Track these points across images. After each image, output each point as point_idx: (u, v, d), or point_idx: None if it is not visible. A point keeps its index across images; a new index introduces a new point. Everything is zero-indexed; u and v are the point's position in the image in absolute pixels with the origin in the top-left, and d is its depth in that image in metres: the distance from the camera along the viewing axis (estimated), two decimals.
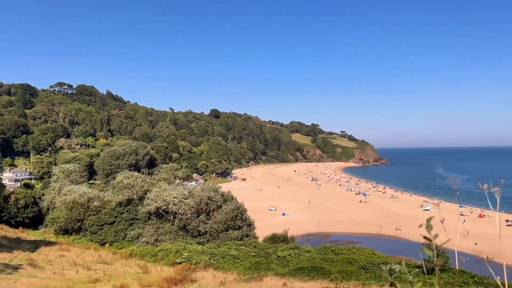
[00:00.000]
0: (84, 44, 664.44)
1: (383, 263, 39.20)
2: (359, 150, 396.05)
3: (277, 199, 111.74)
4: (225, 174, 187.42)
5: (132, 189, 54.62)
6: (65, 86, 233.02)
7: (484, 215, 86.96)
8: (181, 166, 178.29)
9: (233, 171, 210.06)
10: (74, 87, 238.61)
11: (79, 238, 52.40)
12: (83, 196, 53.94)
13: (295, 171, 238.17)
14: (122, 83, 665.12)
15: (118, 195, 54.48)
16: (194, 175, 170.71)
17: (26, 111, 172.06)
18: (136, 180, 55.13)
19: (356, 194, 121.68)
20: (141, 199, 54.09)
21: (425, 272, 39.37)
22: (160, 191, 50.65)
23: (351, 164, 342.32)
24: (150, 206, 50.29)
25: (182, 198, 51.26)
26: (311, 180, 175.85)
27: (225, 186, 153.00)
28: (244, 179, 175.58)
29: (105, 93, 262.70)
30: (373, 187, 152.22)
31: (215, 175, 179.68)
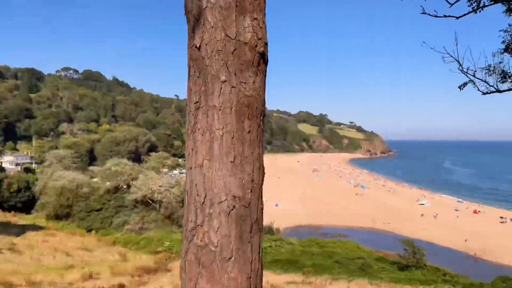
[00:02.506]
0: (94, 30, 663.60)
1: (357, 258, 39.02)
2: (367, 142, 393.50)
3: (274, 189, 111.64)
4: None
5: (120, 177, 54.85)
6: (71, 71, 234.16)
7: (479, 211, 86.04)
8: (183, 154, 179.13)
9: None
10: (80, 72, 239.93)
11: (68, 224, 52.90)
12: (72, 182, 54.29)
13: (298, 161, 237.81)
14: (129, 69, 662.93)
15: (106, 182, 54.75)
16: None
17: (31, 95, 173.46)
18: (124, 168, 55.34)
19: (355, 186, 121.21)
20: (129, 186, 54.33)
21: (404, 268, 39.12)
22: (145, 179, 50.81)
23: (357, 155, 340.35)
24: (136, 194, 50.51)
25: (169, 187, 51.35)
26: (313, 171, 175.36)
27: None
28: None
29: (111, 79, 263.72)
30: (374, 179, 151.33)
31: None
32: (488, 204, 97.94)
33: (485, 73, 8.77)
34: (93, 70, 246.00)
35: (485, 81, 8.71)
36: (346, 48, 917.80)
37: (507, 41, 8.99)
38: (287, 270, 33.96)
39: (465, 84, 8.98)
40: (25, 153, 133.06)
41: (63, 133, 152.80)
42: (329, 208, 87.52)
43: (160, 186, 50.44)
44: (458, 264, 51.29)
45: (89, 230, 49.69)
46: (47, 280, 17.64)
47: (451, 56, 8.26)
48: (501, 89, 8.86)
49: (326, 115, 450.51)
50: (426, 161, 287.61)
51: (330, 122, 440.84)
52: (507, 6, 8.18)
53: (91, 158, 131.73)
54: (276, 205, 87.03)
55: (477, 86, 8.92)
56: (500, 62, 8.85)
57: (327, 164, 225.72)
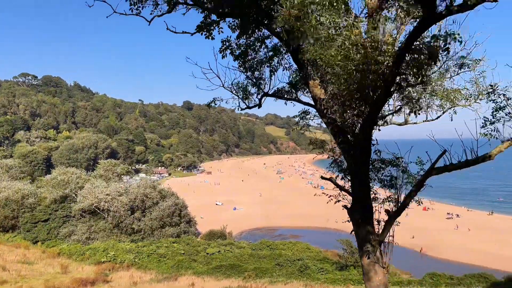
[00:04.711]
0: (53, 34, 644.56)
1: (298, 260, 40.07)
2: (333, 142, 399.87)
3: (235, 193, 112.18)
4: (191, 167, 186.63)
5: (66, 186, 53.90)
6: (30, 77, 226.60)
7: (428, 208, 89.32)
8: (147, 159, 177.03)
9: (202, 164, 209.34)
10: (39, 78, 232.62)
11: (14, 236, 51.52)
12: (17, 192, 52.90)
13: (264, 163, 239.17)
14: (91, 74, 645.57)
15: (52, 192, 53.64)
16: (159, 168, 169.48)
17: None
18: (71, 176, 54.44)
19: (315, 187, 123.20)
20: (77, 196, 53.49)
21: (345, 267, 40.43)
22: (92, 188, 50.20)
23: (323, 156, 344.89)
24: (82, 203, 49.81)
25: (116, 195, 50.92)
26: (276, 173, 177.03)
27: (187, 180, 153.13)
28: (209, 173, 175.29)
29: (72, 84, 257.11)
30: (336, 179, 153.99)
31: (181, 169, 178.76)
32: (440, 201, 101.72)
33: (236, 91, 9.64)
34: (53, 76, 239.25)
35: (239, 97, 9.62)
36: None
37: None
38: (229, 276, 34.54)
39: (213, 101, 9.77)
40: None
41: (19, 141, 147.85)
42: (287, 210, 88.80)
43: (107, 194, 49.97)
44: (406, 261, 53.31)
45: (35, 242, 48.64)
46: None
47: (213, 72, 8.90)
48: (250, 105, 9.82)
49: (293, 117, 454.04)
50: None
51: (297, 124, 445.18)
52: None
53: (48, 166, 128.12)
54: (235, 208, 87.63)
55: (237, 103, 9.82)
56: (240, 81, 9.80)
57: (292, 166, 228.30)
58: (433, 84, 7.68)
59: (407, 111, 8.70)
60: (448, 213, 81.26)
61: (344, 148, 8.01)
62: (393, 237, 8.58)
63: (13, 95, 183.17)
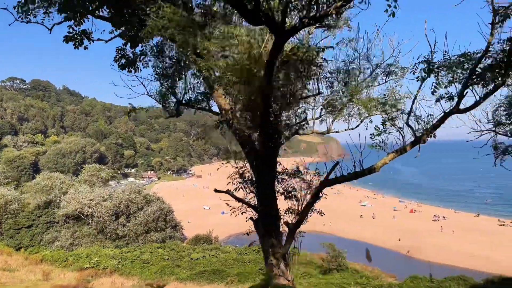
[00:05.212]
0: (42, 37, 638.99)
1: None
2: (323, 145, 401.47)
3: (224, 196, 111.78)
4: (181, 171, 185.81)
5: (50, 191, 53.43)
6: (18, 81, 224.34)
7: (415, 211, 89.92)
8: (136, 164, 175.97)
9: (192, 168, 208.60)
10: (27, 82, 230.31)
11: None
12: (0, 198, 52.29)
13: None
14: (81, 78, 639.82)
15: (35, 198, 53.12)
16: (148, 172, 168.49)
17: None
18: (55, 182, 53.95)
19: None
20: (60, 201, 53.01)
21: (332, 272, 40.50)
22: (75, 193, 49.79)
23: (314, 159, 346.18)
24: (65, 208, 49.37)
25: (100, 200, 50.52)
26: None
27: (177, 184, 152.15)
28: (199, 176, 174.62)
29: (61, 88, 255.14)
30: None
31: (171, 173, 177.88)
32: (428, 203, 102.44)
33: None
34: (42, 80, 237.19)
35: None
36: None
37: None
38: (212, 281, 34.44)
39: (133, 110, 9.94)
40: None
41: (6, 146, 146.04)
42: None
43: (91, 200, 49.57)
44: (392, 263, 53.52)
45: (18, 249, 48.04)
46: None
47: (138, 79, 9.21)
48: (172, 114, 9.98)
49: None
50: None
51: None
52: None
53: (35, 171, 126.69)
54: (223, 212, 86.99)
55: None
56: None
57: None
58: (355, 93, 7.75)
59: (330, 119, 8.76)
60: (434, 215, 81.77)
61: (249, 159, 7.97)
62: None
63: (0, 99, 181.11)
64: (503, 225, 75.82)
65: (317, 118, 8.95)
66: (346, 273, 38.01)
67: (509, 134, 7.23)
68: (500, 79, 6.80)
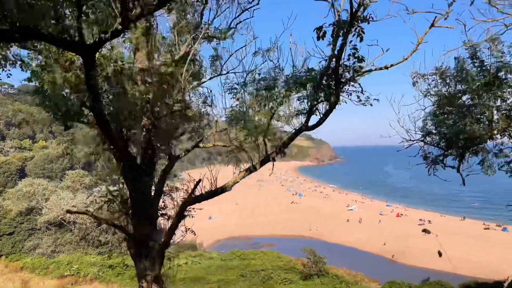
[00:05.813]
0: None
1: (262, 270, 40.01)
2: (315, 149, 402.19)
3: (213, 201, 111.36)
4: (171, 175, 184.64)
5: (32, 197, 52.83)
6: (6, 86, 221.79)
7: (401, 215, 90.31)
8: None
9: (183, 172, 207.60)
10: (16, 86, 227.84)
11: None
12: None
13: None
14: None
15: (17, 204, 52.50)
16: None
17: None
18: (37, 188, 53.38)
19: (293, 194, 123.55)
20: (42, 208, 52.47)
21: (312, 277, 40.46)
22: (57, 199, 49.29)
23: (306, 163, 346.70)
24: (47, 215, 48.85)
25: (83, 207, 49.98)
26: (257, 181, 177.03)
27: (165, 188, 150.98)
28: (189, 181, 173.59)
29: None
30: (315, 186, 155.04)
31: None
32: (415, 207, 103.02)
33: None
34: (30, 84, 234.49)
35: None
36: None
37: None
38: None
39: None
40: None
41: None
42: (263, 218, 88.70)
43: (73, 206, 49.03)
44: (376, 268, 53.62)
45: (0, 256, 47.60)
46: None
47: None
48: None
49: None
50: (370, 165, 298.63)
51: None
52: None
53: (22, 177, 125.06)
54: (210, 218, 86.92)
55: None
56: None
57: (274, 173, 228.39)
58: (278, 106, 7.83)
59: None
60: (420, 219, 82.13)
61: (127, 177, 7.86)
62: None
63: None
64: (488, 228, 76.51)
65: (220, 131, 9.04)
66: (327, 279, 38.11)
67: (435, 144, 7.34)
68: (331, 98, 6.97)
